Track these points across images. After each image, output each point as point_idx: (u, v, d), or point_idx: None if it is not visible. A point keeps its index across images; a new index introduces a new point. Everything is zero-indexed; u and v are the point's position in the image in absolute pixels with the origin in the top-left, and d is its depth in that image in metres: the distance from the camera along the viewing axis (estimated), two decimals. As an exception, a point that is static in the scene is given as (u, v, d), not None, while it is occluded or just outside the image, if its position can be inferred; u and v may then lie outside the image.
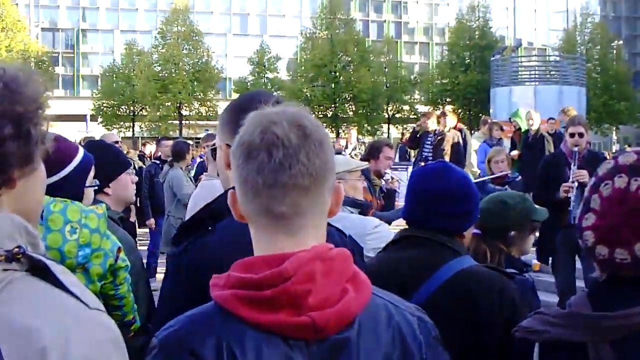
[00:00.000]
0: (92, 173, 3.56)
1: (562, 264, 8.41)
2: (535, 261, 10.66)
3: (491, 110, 25.45)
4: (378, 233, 4.54)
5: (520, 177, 12.27)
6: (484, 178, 8.80)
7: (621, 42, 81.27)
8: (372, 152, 7.59)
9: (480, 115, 28.82)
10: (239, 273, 1.62)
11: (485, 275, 2.89)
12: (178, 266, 2.24)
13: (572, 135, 7.95)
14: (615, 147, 57.66)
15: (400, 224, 3.43)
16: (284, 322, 1.56)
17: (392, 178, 7.37)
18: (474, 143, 13.72)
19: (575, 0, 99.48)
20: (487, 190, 7.83)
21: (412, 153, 15.47)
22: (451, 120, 13.40)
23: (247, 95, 2.69)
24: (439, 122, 13.07)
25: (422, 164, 12.52)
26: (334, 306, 1.58)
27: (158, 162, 12.58)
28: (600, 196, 1.86)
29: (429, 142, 12.97)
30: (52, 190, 2.93)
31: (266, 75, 63.87)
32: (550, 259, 9.36)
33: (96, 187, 3.68)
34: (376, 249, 4.26)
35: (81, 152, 3.52)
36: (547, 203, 8.16)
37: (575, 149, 7.85)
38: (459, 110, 53.45)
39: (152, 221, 12.17)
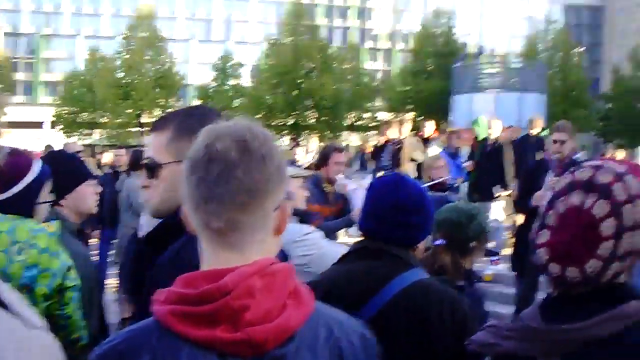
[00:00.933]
0: (47, 187, 3.49)
1: (527, 275, 8.36)
2: (486, 272, 10.72)
3: (451, 118, 25.46)
4: (308, 240, 4.57)
5: (459, 183, 12.36)
6: (423, 185, 8.78)
7: (582, 49, 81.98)
8: (321, 159, 7.50)
9: (442, 122, 28.90)
10: (179, 288, 1.62)
11: (437, 288, 2.92)
12: (173, 266, 2.12)
13: (554, 142, 7.86)
14: (578, 155, 58.01)
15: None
16: (221, 338, 1.55)
17: (342, 185, 7.28)
18: (434, 150, 13.77)
19: (538, 7, 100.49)
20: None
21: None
22: (430, 128, 13.53)
23: (198, 110, 2.66)
24: (399, 131, 13.13)
25: (381, 173, 12.58)
26: (273, 321, 1.58)
27: (111, 171, 12.36)
28: (556, 212, 1.87)
29: (388, 151, 12.99)
30: (5, 207, 2.89)
31: (228, 82, 63.64)
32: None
33: (50, 203, 3.61)
34: (304, 256, 4.31)
35: (36, 166, 3.44)
36: (526, 210, 8.17)
37: (556, 156, 7.81)
38: (421, 118, 53.46)
39: (96, 232, 11.91)
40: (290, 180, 5.14)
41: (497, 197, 12.80)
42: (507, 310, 8.92)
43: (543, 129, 14.39)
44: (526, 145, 13.67)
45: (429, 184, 8.36)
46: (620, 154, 17.49)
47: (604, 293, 1.85)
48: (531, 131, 14.05)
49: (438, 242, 3.75)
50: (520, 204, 8.34)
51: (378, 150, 13.49)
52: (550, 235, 1.87)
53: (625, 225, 1.80)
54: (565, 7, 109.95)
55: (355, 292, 2.89)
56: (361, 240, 3.15)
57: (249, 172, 1.61)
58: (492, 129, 13.12)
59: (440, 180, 8.48)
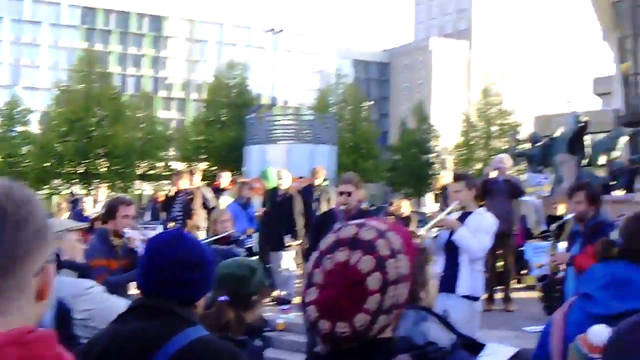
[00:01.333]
0: None
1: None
2: (278, 321, 10.81)
3: (245, 168, 25.64)
4: (90, 295, 4.52)
5: (251, 233, 12.47)
6: (208, 239, 8.82)
7: (371, 103, 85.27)
8: (108, 213, 7.33)
9: (235, 173, 29.10)
10: None
11: (216, 345, 2.89)
12: None
13: (340, 193, 7.94)
14: (364, 205, 60.07)
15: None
16: None
17: (130, 238, 7.15)
18: (226, 201, 13.82)
19: (329, 61, 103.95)
20: (213, 250, 7.87)
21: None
22: (226, 179, 13.48)
23: None
24: (190, 181, 13.11)
25: (172, 224, 12.45)
26: None
27: None
28: (323, 270, 1.87)
29: (180, 202, 12.93)
30: None
31: (16, 129, 61.38)
32: None
33: None
34: (86, 311, 4.21)
35: None
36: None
37: (342, 207, 7.89)
38: (214, 168, 53.66)
39: None
40: (66, 235, 5.00)
41: (288, 246, 12.97)
42: (299, 358, 9.00)
43: (325, 179, 14.83)
44: (310, 195, 14.08)
45: (214, 237, 8.42)
46: (405, 203, 18.25)
47: (372, 348, 1.87)
48: (315, 181, 14.48)
49: (222, 298, 3.71)
50: (310, 254, 8.42)
51: (169, 200, 13.38)
52: (318, 293, 1.86)
53: (390, 279, 1.84)
54: (354, 62, 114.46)
55: (134, 351, 2.80)
56: (140, 298, 3.06)
57: (2, 238, 1.51)
58: (283, 180, 13.30)
59: (226, 234, 8.57)
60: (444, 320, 3.04)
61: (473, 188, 7.47)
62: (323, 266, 1.89)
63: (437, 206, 15.47)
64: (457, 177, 7.75)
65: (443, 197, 15.81)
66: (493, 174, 11.92)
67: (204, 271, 3.04)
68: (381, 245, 1.88)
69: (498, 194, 11.37)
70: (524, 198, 13.22)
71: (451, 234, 7.20)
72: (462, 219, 7.34)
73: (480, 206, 7.65)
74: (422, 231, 7.58)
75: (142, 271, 3.07)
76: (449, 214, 7.49)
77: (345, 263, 1.85)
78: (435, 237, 7.26)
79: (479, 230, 7.21)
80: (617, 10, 34.49)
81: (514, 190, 11.94)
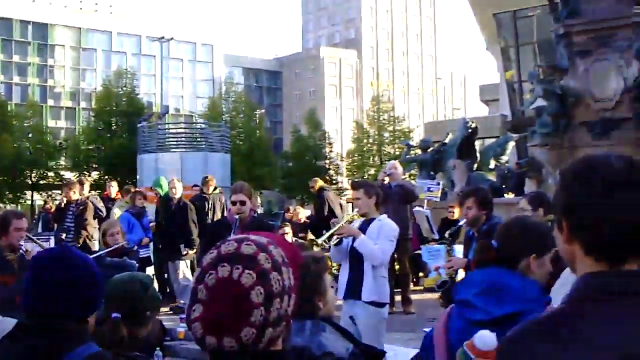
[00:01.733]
0: None
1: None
2: (179, 329, 10.70)
3: (138, 177, 25.36)
4: None
5: (140, 247, 12.33)
6: (99, 252, 8.68)
7: (263, 111, 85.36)
8: (0, 227, 7.12)
9: (128, 181, 28.65)
10: None
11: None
12: None
13: (233, 203, 7.98)
14: (260, 210, 59.92)
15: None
16: None
17: (27, 251, 6.98)
18: (117, 212, 13.60)
19: (220, 69, 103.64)
20: (105, 263, 7.76)
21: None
22: (85, 188, 13.28)
23: None
24: (80, 192, 12.87)
25: (64, 235, 12.19)
26: None
27: None
28: (206, 286, 1.87)
29: (71, 212, 12.68)
30: None
31: None
32: None
33: None
34: None
35: None
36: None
37: (236, 216, 7.90)
38: (106, 177, 52.72)
39: None
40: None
41: (185, 255, 12.88)
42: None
43: (216, 188, 14.81)
44: (203, 204, 14.06)
45: (106, 250, 8.29)
46: (300, 209, 18.40)
47: None
48: (210, 189, 14.48)
49: (115, 315, 3.62)
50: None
51: (61, 211, 13.10)
52: (202, 309, 1.87)
53: (274, 292, 1.88)
54: (244, 70, 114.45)
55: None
56: (26, 318, 2.94)
57: None
58: (176, 189, 13.17)
59: (117, 246, 8.49)
60: (342, 330, 3.04)
61: (373, 195, 7.44)
62: (206, 282, 1.90)
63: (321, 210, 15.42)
64: (356, 185, 7.69)
65: (319, 199, 15.78)
66: (386, 180, 12.08)
67: (93, 287, 2.97)
68: (262, 259, 1.91)
69: (391, 199, 11.49)
70: (415, 209, 13.35)
71: (353, 241, 7.19)
72: (363, 226, 7.33)
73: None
74: (320, 240, 7.58)
75: (27, 290, 2.95)
76: (350, 222, 7.49)
77: (227, 279, 1.87)
78: (337, 244, 7.24)
79: (381, 236, 7.21)
80: (499, 22, 35.51)
81: (408, 195, 12.13)
